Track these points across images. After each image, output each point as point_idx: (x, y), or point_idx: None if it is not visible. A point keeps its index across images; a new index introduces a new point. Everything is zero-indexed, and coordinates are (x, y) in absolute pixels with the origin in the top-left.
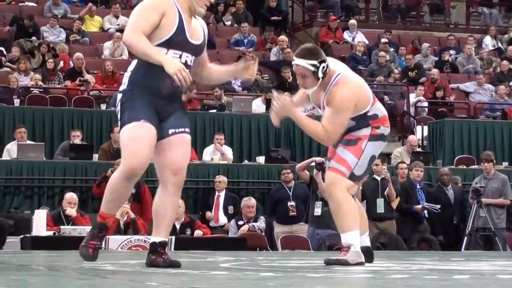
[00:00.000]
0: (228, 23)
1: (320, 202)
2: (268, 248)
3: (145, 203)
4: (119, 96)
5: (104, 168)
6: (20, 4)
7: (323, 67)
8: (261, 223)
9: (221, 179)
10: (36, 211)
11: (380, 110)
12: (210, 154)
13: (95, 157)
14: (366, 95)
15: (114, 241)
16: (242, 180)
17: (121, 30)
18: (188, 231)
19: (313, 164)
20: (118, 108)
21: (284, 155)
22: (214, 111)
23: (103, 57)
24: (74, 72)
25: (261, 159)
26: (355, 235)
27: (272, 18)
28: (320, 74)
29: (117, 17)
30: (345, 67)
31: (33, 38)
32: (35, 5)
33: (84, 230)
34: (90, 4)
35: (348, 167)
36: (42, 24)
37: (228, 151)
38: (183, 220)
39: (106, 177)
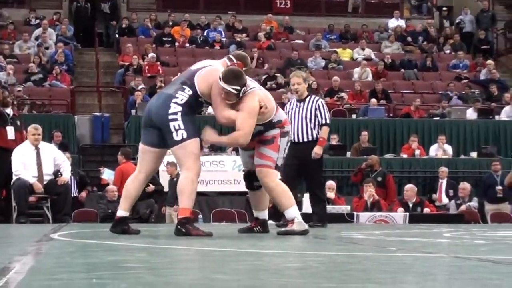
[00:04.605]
0: (447, 51)
1: None
2: (480, 222)
3: (389, 189)
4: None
5: (355, 162)
6: (292, 42)
7: (244, 90)
8: (474, 203)
9: (443, 170)
10: (305, 194)
11: (282, 115)
12: (435, 151)
13: (348, 154)
14: (270, 105)
15: (363, 217)
16: (459, 170)
17: (366, 59)
18: (419, 209)
19: None
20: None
21: (491, 150)
22: (438, 118)
23: (353, 79)
24: (332, 91)
25: (473, 154)
26: (295, 209)
27: (482, 47)
28: (241, 94)
29: (363, 49)
30: (257, 84)
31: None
32: (302, 42)
33: (340, 208)
34: (343, 40)
35: (272, 161)
36: (307, 56)
37: (448, 148)
38: (414, 200)
39: (361, 169)
